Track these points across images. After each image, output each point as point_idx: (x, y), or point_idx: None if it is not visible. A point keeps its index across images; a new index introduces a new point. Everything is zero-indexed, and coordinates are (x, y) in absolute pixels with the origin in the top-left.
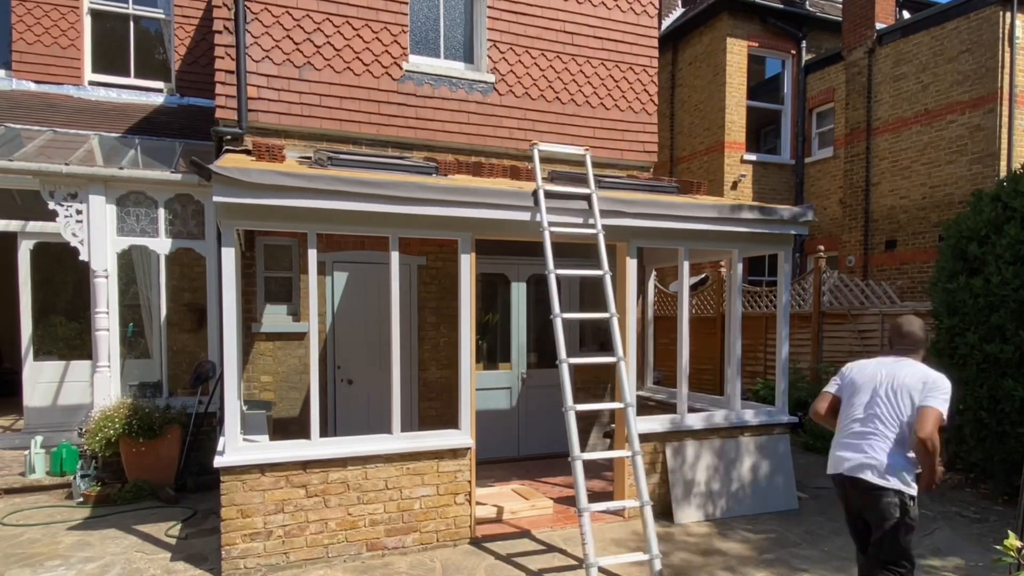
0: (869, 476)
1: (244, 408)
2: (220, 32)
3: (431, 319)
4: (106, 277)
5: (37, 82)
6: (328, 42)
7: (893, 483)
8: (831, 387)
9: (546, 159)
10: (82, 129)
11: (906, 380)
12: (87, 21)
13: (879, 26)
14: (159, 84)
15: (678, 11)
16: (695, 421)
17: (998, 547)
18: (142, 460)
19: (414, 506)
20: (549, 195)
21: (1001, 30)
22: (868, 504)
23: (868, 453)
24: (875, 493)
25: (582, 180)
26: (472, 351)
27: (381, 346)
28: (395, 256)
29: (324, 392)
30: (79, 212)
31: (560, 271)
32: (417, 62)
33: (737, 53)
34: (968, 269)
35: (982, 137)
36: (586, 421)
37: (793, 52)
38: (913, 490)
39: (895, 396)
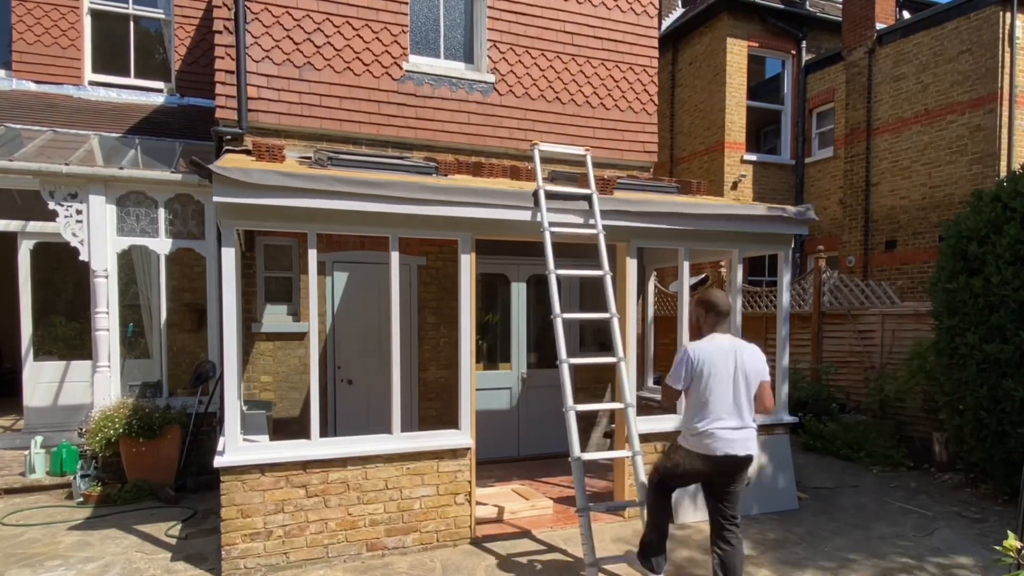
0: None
1: (244, 408)
2: (220, 32)
3: (431, 319)
4: (106, 277)
5: (37, 82)
6: (328, 42)
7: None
8: (677, 382)
9: (546, 159)
10: (82, 129)
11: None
12: (87, 21)
13: (879, 26)
14: (159, 84)
15: (678, 11)
16: None
17: (998, 547)
18: (142, 460)
19: (414, 506)
20: (549, 195)
21: (1001, 30)
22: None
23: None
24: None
25: (582, 180)
26: (472, 351)
27: (381, 346)
28: (395, 256)
29: (324, 392)
30: (79, 212)
31: (560, 271)
32: (417, 62)
33: (737, 53)
34: (968, 269)
35: (982, 137)
36: (587, 421)
37: (793, 52)
38: None
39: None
